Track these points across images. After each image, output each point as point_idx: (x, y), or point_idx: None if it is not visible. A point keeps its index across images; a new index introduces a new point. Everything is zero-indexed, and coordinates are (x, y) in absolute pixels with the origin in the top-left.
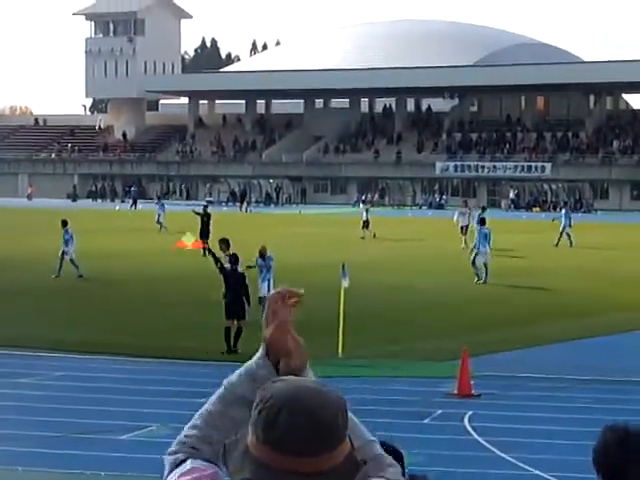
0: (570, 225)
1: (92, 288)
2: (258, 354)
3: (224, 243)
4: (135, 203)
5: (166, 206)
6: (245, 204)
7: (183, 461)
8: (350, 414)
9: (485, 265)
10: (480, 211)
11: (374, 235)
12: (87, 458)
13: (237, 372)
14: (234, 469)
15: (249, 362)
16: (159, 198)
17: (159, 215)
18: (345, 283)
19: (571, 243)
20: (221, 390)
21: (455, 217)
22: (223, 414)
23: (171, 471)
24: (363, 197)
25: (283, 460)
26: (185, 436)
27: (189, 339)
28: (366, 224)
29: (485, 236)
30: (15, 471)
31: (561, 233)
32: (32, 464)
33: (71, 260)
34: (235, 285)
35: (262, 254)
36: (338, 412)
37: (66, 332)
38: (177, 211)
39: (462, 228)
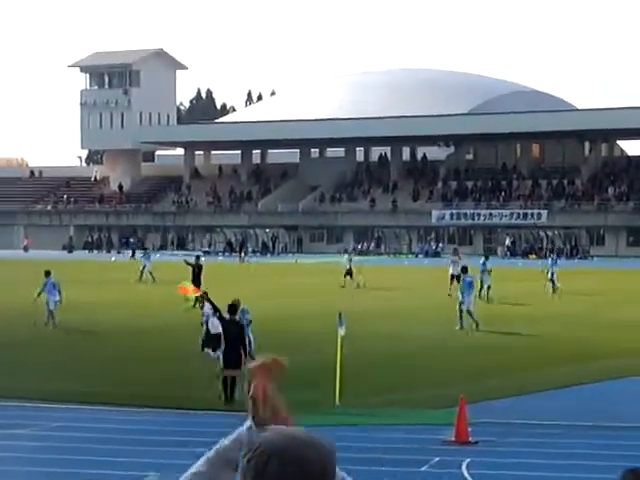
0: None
1: (86, 339)
2: (248, 423)
3: (206, 295)
4: (134, 254)
5: (152, 257)
6: (242, 254)
7: None
8: None
9: (470, 312)
10: (483, 259)
11: (357, 285)
12: None
13: (230, 438)
14: None
15: (241, 429)
16: (145, 249)
17: (144, 266)
18: (342, 331)
19: (554, 290)
20: (211, 454)
21: (449, 265)
22: (213, 477)
23: None
24: (346, 247)
25: None
26: None
27: (183, 389)
28: (350, 273)
29: (469, 284)
30: None
31: (552, 280)
32: None
33: (50, 310)
34: (233, 334)
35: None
36: (327, 462)
37: (61, 383)
38: (172, 261)
39: (452, 276)
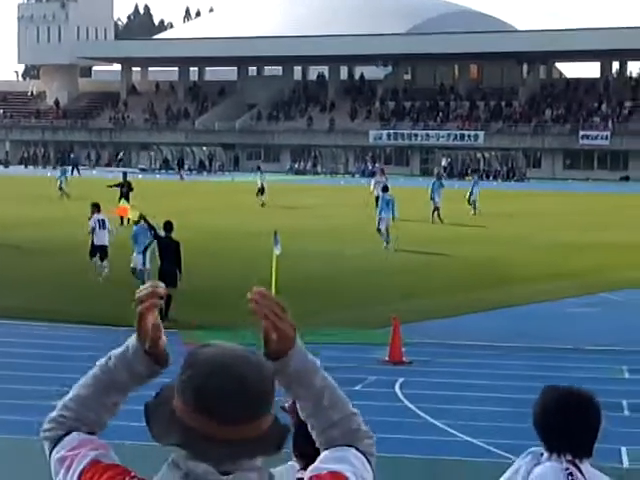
0: (472, 193)
1: (13, 255)
2: (133, 346)
3: (95, 207)
4: (76, 169)
5: (68, 173)
6: (181, 171)
7: (63, 436)
8: (335, 384)
9: (387, 230)
10: (435, 179)
11: (263, 204)
12: (14, 423)
13: (113, 357)
14: (158, 433)
15: (124, 350)
16: (61, 165)
17: (61, 182)
18: (277, 250)
19: (475, 212)
20: (96, 372)
21: (372, 186)
22: (97, 399)
23: (54, 446)
24: (258, 165)
25: (212, 425)
26: (60, 416)
27: (115, 305)
28: (261, 191)
29: (387, 203)
30: None
31: (472, 201)
32: None
33: None
34: (169, 252)
35: (144, 218)
36: (267, 379)
37: None
38: (107, 178)
39: (377, 198)
